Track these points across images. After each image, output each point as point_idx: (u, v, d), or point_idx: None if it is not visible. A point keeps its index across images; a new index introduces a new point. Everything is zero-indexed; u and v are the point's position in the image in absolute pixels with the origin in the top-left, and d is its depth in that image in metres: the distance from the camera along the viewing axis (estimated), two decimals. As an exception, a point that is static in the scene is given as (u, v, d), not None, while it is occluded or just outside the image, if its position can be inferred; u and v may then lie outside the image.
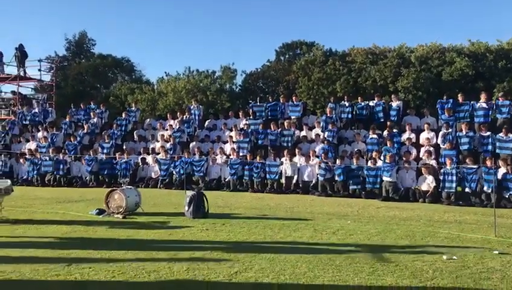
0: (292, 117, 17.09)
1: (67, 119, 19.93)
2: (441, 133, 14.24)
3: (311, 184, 14.50)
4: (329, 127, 15.77)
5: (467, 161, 12.86)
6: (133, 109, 20.28)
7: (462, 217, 9.73)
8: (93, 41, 38.21)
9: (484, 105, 14.47)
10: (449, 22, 57.69)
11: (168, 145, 17.18)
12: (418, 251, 6.32)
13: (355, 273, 5.14)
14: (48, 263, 5.53)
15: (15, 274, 5.10)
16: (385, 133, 15.11)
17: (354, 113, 16.37)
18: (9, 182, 9.12)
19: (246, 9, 64.14)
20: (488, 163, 12.33)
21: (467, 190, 12.50)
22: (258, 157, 15.23)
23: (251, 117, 17.63)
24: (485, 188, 12.18)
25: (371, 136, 15.02)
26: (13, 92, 24.88)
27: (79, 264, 5.49)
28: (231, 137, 16.92)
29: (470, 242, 6.95)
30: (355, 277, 5.03)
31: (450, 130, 14.04)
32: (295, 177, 14.80)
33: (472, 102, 14.72)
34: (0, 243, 6.68)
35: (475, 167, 12.52)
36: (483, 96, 14.77)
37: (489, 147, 13.50)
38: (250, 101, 24.10)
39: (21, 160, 18.27)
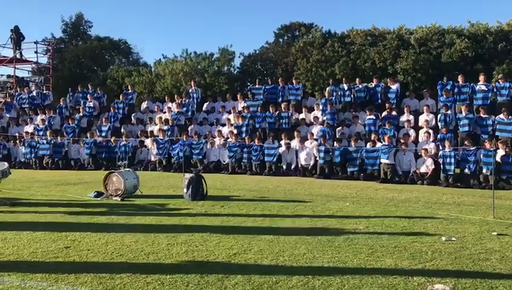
0: (292, 100, 17.01)
1: (61, 103, 19.82)
2: (439, 115, 14.20)
3: (310, 166, 14.50)
4: (328, 109, 15.72)
5: (466, 142, 12.83)
6: (130, 91, 20.11)
7: (461, 199, 9.75)
8: (90, 23, 37.72)
9: (483, 87, 14.40)
10: (449, 3, 57.20)
11: (165, 126, 17.13)
12: (417, 232, 6.33)
13: (355, 255, 5.14)
14: (46, 245, 5.52)
15: (13, 256, 5.09)
16: (384, 114, 15.08)
17: (352, 96, 16.27)
18: (6, 164, 9.08)
19: (244, -10, 63.33)
20: (487, 145, 12.30)
21: (466, 171, 12.50)
22: (256, 140, 15.21)
23: (250, 99, 17.56)
24: (484, 171, 12.18)
25: (368, 117, 14.98)
26: (9, 76, 24.66)
27: (77, 246, 5.48)
28: (229, 120, 16.86)
29: (469, 224, 6.96)
30: (354, 258, 5.03)
31: (448, 111, 14.00)
32: (294, 160, 14.82)
33: (472, 84, 14.64)
34: (-1, 226, 6.66)
35: (474, 148, 12.51)
36: (482, 78, 14.69)
37: (489, 129, 13.47)
38: (249, 84, 23.94)
39: (18, 143, 18.24)
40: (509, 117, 13.25)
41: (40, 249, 5.33)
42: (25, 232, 6.13)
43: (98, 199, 9.41)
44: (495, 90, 14.35)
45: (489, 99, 14.29)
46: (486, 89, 14.33)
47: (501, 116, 13.41)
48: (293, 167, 14.77)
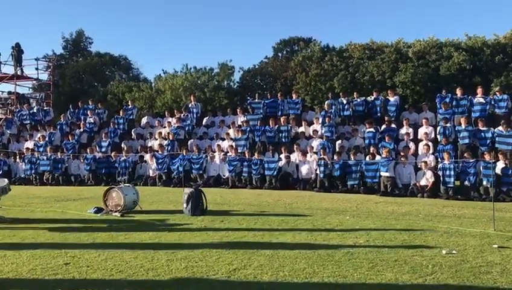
0: (291, 114, 17.06)
1: (62, 120, 19.90)
2: (438, 128, 14.23)
3: (310, 180, 14.49)
4: (327, 122, 15.76)
5: (466, 155, 12.84)
6: (130, 106, 20.17)
7: (461, 212, 9.73)
8: (90, 40, 38.13)
9: (481, 100, 14.46)
10: (446, 17, 57.72)
11: (165, 142, 17.16)
12: (417, 245, 6.31)
13: (355, 269, 5.12)
14: (45, 262, 5.51)
15: (13, 274, 5.07)
16: (383, 127, 15.12)
17: (351, 109, 16.31)
18: (6, 181, 9.08)
19: (244, 5, 64.07)
20: (487, 157, 12.31)
21: (466, 183, 12.49)
22: (256, 154, 15.22)
23: (250, 113, 17.66)
24: (484, 183, 12.16)
25: (367, 130, 15.02)
26: (9, 92, 24.79)
27: (77, 263, 5.47)
28: (228, 134, 16.90)
29: (469, 236, 6.94)
30: (354, 272, 5.02)
31: (448, 124, 14.03)
32: (295, 172, 14.84)
33: (470, 96, 14.70)
34: (-2, 243, 6.65)
35: (473, 160, 12.51)
36: (480, 91, 14.76)
37: (488, 142, 13.48)
38: (248, 98, 24.04)
39: (18, 159, 18.27)
40: (509, 129, 13.27)
41: (39, 266, 5.32)
42: (25, 249, 6.11)
43: (98, 214, 9.39)
44: (493, 102, 14.40)
45: (487, 112, 14.34)
46: (484, 102, 14.39)
47: (500, 128, 13.43)
48: (295, 176, 14.81)
